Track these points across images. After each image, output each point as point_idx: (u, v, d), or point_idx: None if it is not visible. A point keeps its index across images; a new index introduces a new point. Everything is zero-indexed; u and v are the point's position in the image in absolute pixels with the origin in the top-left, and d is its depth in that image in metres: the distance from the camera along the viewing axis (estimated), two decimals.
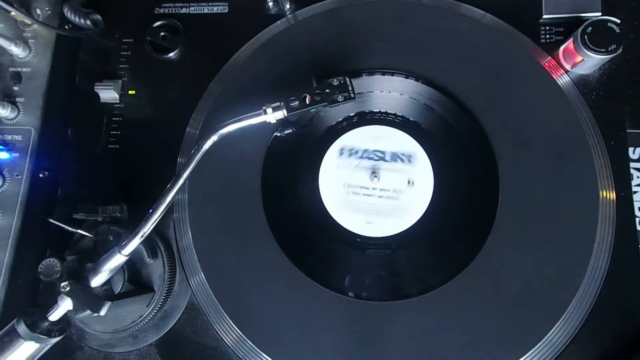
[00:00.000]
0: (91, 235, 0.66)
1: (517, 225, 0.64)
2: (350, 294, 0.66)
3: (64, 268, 0.63)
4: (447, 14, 0.73)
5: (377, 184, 0.74)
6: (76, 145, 0.77)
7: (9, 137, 0.75)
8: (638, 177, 0.67)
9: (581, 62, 0.67)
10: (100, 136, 0.77)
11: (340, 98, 0.62)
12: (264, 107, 0.62)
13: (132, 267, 0.66)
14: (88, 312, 0.57)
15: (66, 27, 0.79)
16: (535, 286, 0.62)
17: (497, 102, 0.69)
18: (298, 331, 0.64)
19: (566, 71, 0.70)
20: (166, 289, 0.67)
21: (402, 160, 0.74)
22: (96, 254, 0.63)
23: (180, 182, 0.60)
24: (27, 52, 0.77)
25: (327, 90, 0.62)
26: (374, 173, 0.74)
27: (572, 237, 0.63)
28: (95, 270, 0.60)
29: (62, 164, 0.76)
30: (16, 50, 0.75)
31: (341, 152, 0.76)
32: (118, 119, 0.77)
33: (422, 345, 0.62)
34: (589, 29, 0.65)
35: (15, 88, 0.76)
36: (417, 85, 0.73)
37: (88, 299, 0.58)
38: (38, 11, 0.79)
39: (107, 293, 0.63)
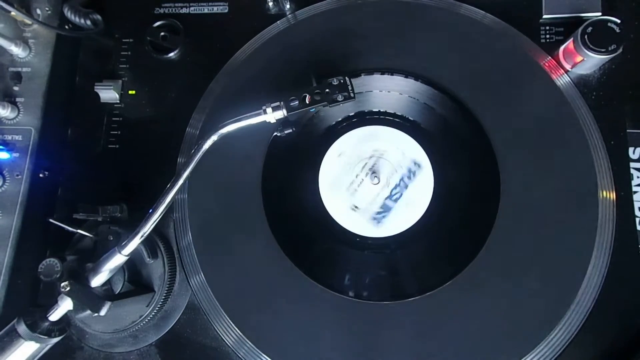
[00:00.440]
0: (91, 235, 0.66)
1: (517, 225, 0.64)
2: (350, 293, 0.66)
3: (64, 268, 0.63)
4: (447, 14, 0.73)
5: (377, 183, 0.73)
6: (76, 145, 0.77)
7: (9, 137, 0.75)
8: (638, 177, 0.67)
9: (581, 62, 0.67)
10: (100, 136, 0.77)
11: (340, 98, 0.62)
12: (263, 107, 0.62)
13: (132, 267, 0.66)
14: (88, 312, 0.57)
15: (66, 27, 0.79)
16: (535, 286, 0.62)
17: (497, 102, 0.69)
18: (298, 331, 0.64)
19: (566, 71, 0.70)
20: (166, 289, 0.67)
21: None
22: (96, 254, 0.63)
23: (180, 182, 0.60)
24: (27, 52, 0.77)
25: (327, 90, 0.62)
26: (374, 173, 0.74)
27: (572, 237, 0.63)
28: (95, 270, 0.60)
29: (62, 164, 0.76)
30: (16, 50, 0.75)
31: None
32: (118, 119, 0.77)
33: (421, 345, 0.62)
34: (589, 29, 0.65)
35: (15, 88, 0.76)
36: (417, 85, 0.73)
37: (88, 299, 0.58)
38: (38, 11, 0.79)
39: (107, 293, 0.63)
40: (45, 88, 0.76)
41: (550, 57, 0.70)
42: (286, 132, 0.70)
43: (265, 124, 0.63)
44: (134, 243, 0.59)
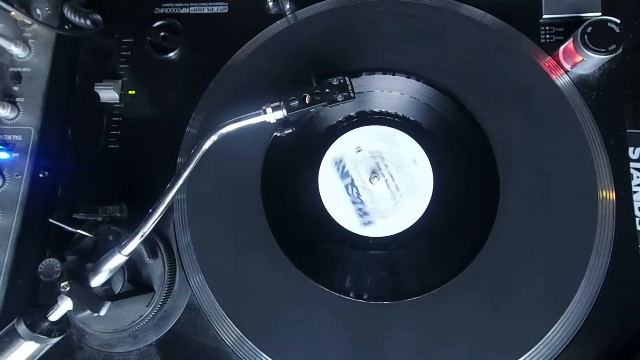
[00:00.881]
0: (91, 235, 0.66)
1: (517, 225, 0.64)
2: (350, 293, 0.66)
3: (64, 268, 0.63)
4: (447, 14, 0.73)
5: (377, 183, 0.73)
6: (76, 145, 0.77)
7: (9, 137, 0.75)
8: (638, 177, 0.67)
9: (581, 62, 0.67)
10: (100, 136, 0.77)
11: (340, 98, 0.62)
12: (263, 107, 0.62)
13: (132, 267, 0.66)
14: (88, 312, 0.57)
15: (66, 27, 0.79)
16: (535, 286, 0.62)
17: (497, 102, 0.69)
18: (298, 331, 0.64)
19: (566, 71, 0.70)
20: (166, 289, 0.67)
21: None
22: (96, 254, 0.63)
23: (180, 182, 0.60)
24: (27, 52, 0.77)
25: (327, 90, 0.62)
26: (374, 173, 0.74)
27: (572, 237, 0.63)
28: (95, 270, 0.60)
29: (62, 164, 0.76)
30: (16, 50, 0.75)
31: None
32: (118, 119, 0.77)
33: (422, 345, 0.62)
34: (589, 29, 0.65)
35: (15, 88, 0.76)
36: (418, 85, 0.73)
37: (88, 299, 0.58)
38: (38, 11, 0.79)
39: (107, 293, 0.63)
40: (45, 88, 0.76)
41: (550, 57, 0.71)
42: (286, 132, 0.70)
43: (265, 124, 0.63)
44: (134, 243, 0.59)
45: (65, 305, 0.57)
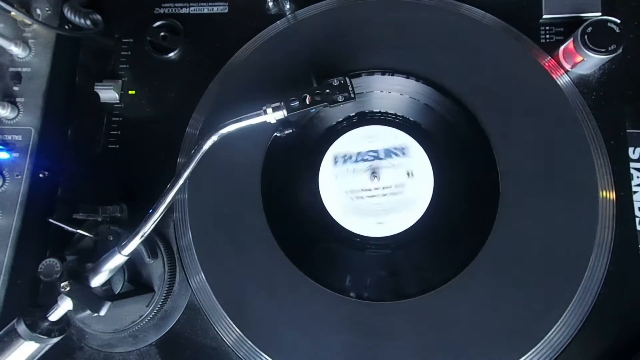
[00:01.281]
0: (91, 235, 0.66)
1: (517, 225, 0.64)
2: (350, 293, 0.66)
3: (64, 268, 0.63)
4: (447, 14, 0.73)
5: (377, 183, 0.73)
6: (76, 145, 0.77)
7: (9, 137, 0.75)
8: (638, 177, 0.67)
9: (581, 62, 0.67)
10: (100, 136, 0.77)
11: (340, 98, 0.62)
12: (264, 107, 0.62)
13: (132, 267, 0.66)
14: (88, 312, 0.57)
15: (66, 27, 0.79)
16: (535, 286, 0.62)
17: (497, 102, 0.69)
18: (298, 331, 0.64)
19: (566, 71, 0.70)
20: (166, 289, 0.67)
21: (398, 156, 0.74)
22: (96, 254, 0.63)
23: (180, 182, 0.60)
24: (27, 52, 0.77)
25: (327, 91, 0.62)
26: (374, 173, 0.74)
27: (572, 237, 0.63)
28: (95, 270, 0.60)
29: (62, 164, 0.76)
30: (16, 50, 0.75)
31: (339, 157, 0.76)
32: (118, 119, 0.77)
33: (422, 345, 0.62)
34: (589, 29, 0.65)
35: (15, 88, 0.76)
36: (417, 85, 0.73)
37: (88, 299, 0.58)
38: (38, 11, 0.79)
39: (107, 293, 0.63)
40: (45, 88, 0.76)
41: (550, 57, 0.71)
42: (286, 132, 0.70)
43: (265, 124, 0.63)
44: (134, 243, 0.59)
45: (65, 305, 0.57)
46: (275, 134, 0.71)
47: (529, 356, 0.60)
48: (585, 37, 0.65)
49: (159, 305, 0.66)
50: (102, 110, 0.78)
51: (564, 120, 0.66)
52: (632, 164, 0.67)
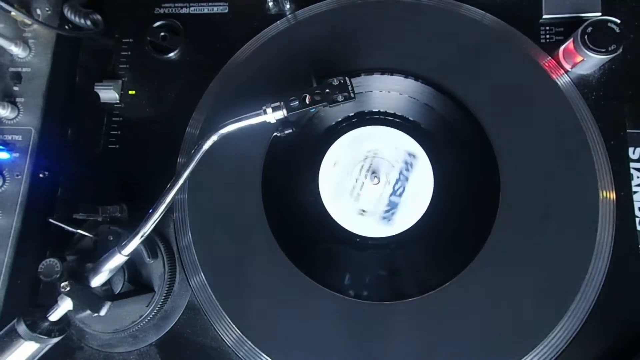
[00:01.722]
0: (91, 235, 0.66)
1: (517, 226, 0.64)
2: (350, 293, 0.66)
3: (64, 268, 0.63)
4: (447, 14, 0.73)
5: (377, 183, 0.73)
6: (76, 145, 0.77)
7: (9, 137, 0.75)
8: (638, 177, 0.67)
9: (581, 62, 0.67)
10: (100, 136, 0.77)
11: (340, 98, 0.62)
12: (263, 107, 0.62)
13: (132, 267, 0.66)
14: (88, 312, 0.57)
15: (66, 27, 0.79)
16: (535, 286, 0.62)
17: (497, 102, 0.69)
18: (298, 331, 0.64)
19: (566, 71, 0.70)
20: (166, 289, 0.67)
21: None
22: (96, 254, 0.63)
23: (180, 182, 0.60)
24: (27, 52, 0.77)
25: (327, 90, 0.62)
26: (374, 173, 0.74)
27: (572, 237, 0.63)
28: (95, 270, 0.60)
29: (62, 164, 0.76)
30: (16, 50, 0.75)
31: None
32: (118, 119, 0.77)
33: (421, 345, 0.62)
34: (589, 29, 0.65)
35: (15, 88, 0.76)
36: (417, 85, 0.73)
37: (88, 299, 0.58)
38: (38, 11, 0.79)
39: (107, 293, 0.63)
40: (45, 88, 0.76)
41: (550, 57, 0.70)
42: (286, 132, 0.70)
43: (265, 124, 0.63)
44: (134, 243, 0.59)
45: (65, 305, 0.57)
46: (275, 133, 0.71)
47: (529, 356, 0.60)
48: (585, 37, 0.65)
49: (159, 305, 0.66)
50: (102, 110, 0.78)
51: (564, 121, 0.66)
52: (632, 164, 0.67)
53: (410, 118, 0.77)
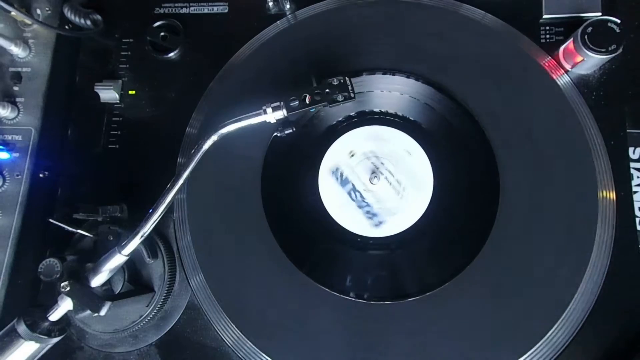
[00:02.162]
0: (91, 235, 0.66)
1: (517, 225, 0.64)
2: (350, 293, 0.66)
3: (64, 268, 0.63)
4: (447, 14, 0.73)
5: (377, 183, 0.73)
6: (76, 145, 0.77)
7: (9, 137, 0.75)
8: (638, 177, 0.67)
9: (581, 62, 0.67)
10: (100, 136, 0.77)
11: (340, 98, 0.62)
12: (263, 107, 0.62)
13: (132, 267, 0.66)
14: (88, 312, 0.57)
15: (66, 27, 0.79)
16: (535, 286, 0.62)
17: (497, 102, 0.69)
18: (298, 331, 0.64)
19: (566, 71, 0.70)
20: (166, 289, 0.67)
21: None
22: (96, 254, 0.63)
23: (180, 182, 0.60)
24: (27, 52, 0.77)
25: (327, 90, 0.62)
26: (374, 173, 0.74)
27: (572, 237, 0.63)
28: (95, 270, 0.60)
29: (62, 164, 0.76)
30: (16, 50, 0.75)
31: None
32: (118, 119, 0.77)
33: (422, 345, 0.62)
34: (589, 29, 0.65)
35: (15, 88, 0.76)
36: (418, 85, 0.73)
37: (88, 299, 0.58)
38: (38, 11, 0.79)
39: (107, 293, 0.63)
40: (45, 88, 0.76)
41: (550, 57, 0.71)
42: (286, 132, 0.70)
43: (265, 124, 0.63)
44: (134, 243, 0.59)
45: (65, 305, 0.57)
46: (275, 133, 0.71)
47: (529, 356, 0.60)
48: (585, 37, 0.65)
49: (159, 305, 0.66)
50: (102, 110, 0.78)
51: (564, 121, 0.66)
52: (632, 164, 0.67)
53: (411, 118, 0.77)
